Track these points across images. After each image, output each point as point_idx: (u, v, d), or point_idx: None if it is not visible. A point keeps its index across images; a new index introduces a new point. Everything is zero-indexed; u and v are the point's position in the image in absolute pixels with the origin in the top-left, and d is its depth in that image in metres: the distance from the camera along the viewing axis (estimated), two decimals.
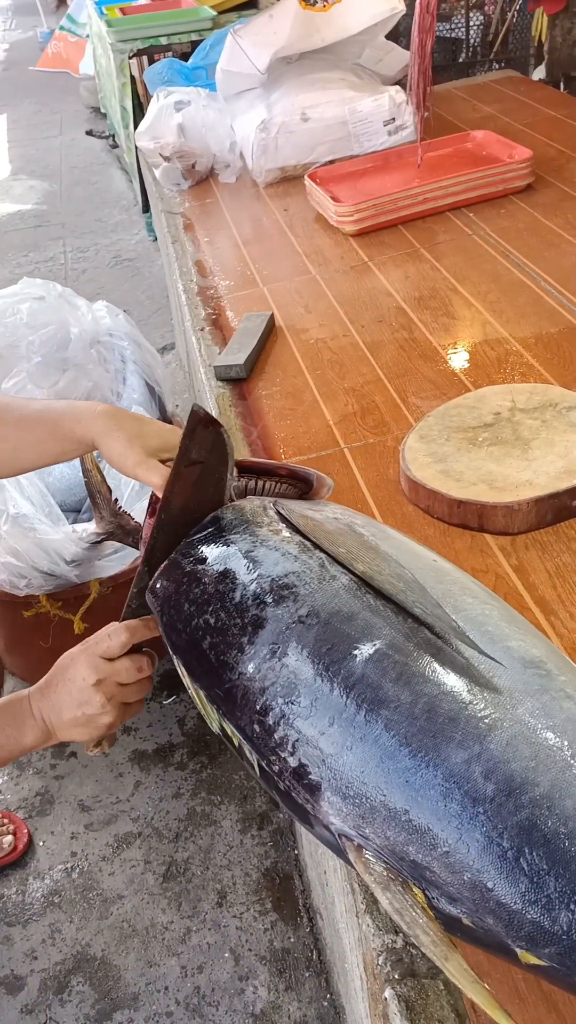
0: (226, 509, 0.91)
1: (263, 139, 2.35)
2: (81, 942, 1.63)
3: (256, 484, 1.00)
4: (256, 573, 0.81)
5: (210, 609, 0.82)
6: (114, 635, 0.89)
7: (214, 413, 1.56)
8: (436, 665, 0.71)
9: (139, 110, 3.81)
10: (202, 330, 1.82)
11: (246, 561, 0.83)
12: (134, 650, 0.90)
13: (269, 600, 0.79)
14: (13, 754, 0.93)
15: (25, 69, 8.41)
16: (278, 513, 0.90)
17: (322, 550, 0.83)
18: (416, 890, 0.66)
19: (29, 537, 1.78)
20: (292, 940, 1.58)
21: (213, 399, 1.59)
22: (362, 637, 0.74)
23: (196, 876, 1.71)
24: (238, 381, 1.61)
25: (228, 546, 0.86)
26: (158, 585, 0.88)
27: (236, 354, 1.63)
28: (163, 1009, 1.51)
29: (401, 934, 0.74)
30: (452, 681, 0.70)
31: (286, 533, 0.86)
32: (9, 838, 1.76)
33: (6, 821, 1.80)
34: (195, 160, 2.59)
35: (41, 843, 1.82)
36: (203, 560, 0.86)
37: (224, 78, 2.49)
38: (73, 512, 2.21)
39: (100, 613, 1.89)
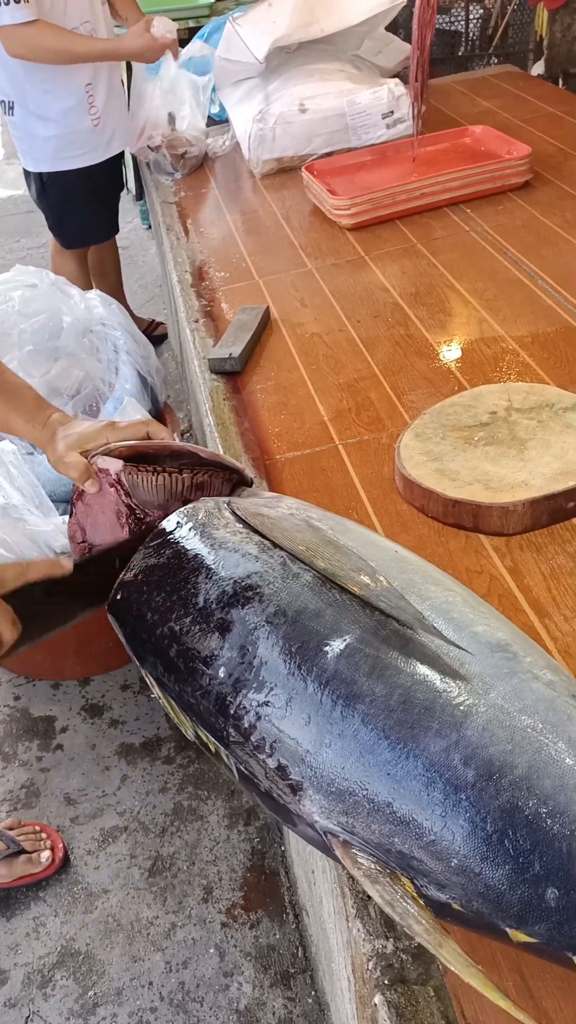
0: (180, 514, 0.90)
1: (260, 129, 2.33)
2: (65, 936, 1.63)
3: (180, 477, 0.99)
4: (218, 576, 0.81)
5: (174, 616, 0.81)
6: (14, 566, 0.88)
7: (207, 406, 1.55)
8: (407, 656, 0.72)
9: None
10: (196, 322, 1.80)
11: (207, 565, 0.83)
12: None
13: (234, 602, 0.78)
14: None
15: None
16: (233, 513, 0.89)
17: (283, 548, 0.82)
18: (405, 880, 0.66)
19: (19, 528, 1.77)
20: (277, 937, 1.58)
21: (207, 392, 1.58)
22: (331, 633, 0.74)
23: (182, 871, 1.70)
24: (232, 374, 1.60)
25: (187, 551, 0.85)
26: (118, 596, 0.87)
27: (231, 347, 1.62)
28: (147, 1004, 1.51)
29: (391, 939, 0.74)
30: (424, 671, 0.70)
31: (244, 533, 0.86)
32: (47, 853, 1.73)
33: (44, 836, 1.77)
34: (185, 149, 2.57)
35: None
36: (162, 567, 0.85)
37: (221, 67, 2.46)
38: (63, 503, 2.19)
39: None
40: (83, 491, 0.99)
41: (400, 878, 0.66)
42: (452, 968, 0.62)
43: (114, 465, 0.97)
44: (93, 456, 0.99)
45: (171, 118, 2.64)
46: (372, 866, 0.67)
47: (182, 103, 2.64)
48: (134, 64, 2.74)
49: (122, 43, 2.50)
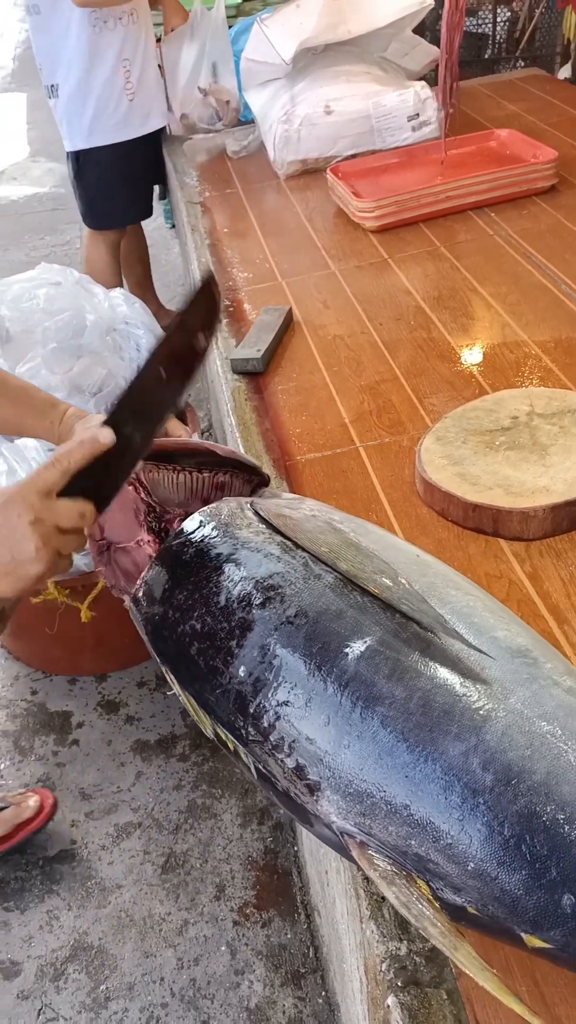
0: (202, 513, 0.91)
1: (285, 130, 2.33)
2: (79, 930, 1.64)
3: (200, 476, 0.99)
4: (240, 575, 0.81)
5: (195, 614, 0.82)
6: (51, 464, 0.81)
7: (229, 406, 1.56)
8: (428, 659, 0.72)
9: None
10: (219, 322, 1.81)
11: (229, 564, 0.83)
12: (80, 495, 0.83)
13: (255, 602, 0.79)
14: None
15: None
16: (255, 513, 0.90)
17: (305, 549, 0.83)
18: (421, 882, 0.67)
19: None
20: (289, 936, 1.58)
21: (228, 392, 1.58)
22: (352, 635, 0.74)
23: (195, 869, 1.71)
24: (254, 375, 1.61)
25: (210, 550, 0.86)
26: (140, 593, 0.88)
27: (253, 347, 1.62)
28: (158, 1000, 1.52)
29: (405, 941, 0.74)
30: (444, 674, 0.71)
31: (267, 534, 0.86)
32: (35, 798, 1.73)
33: (29, 793, 1.79)
34: (229, 98, 2.59)
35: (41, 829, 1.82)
36: (185, 565, 0.86)
37: (248, 68, 2.47)
38: None
39: (108, 602, 1.89)
40: None
41: (416, 880, 0.67)
42: (467, 971, 0.62)
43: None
44: None
45: (214, 68, 2.67)
46: (388, 868, 0.67)
47: (221, 58, 2.69)
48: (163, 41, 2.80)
49: None
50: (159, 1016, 1.50)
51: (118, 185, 2.88)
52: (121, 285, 3.18)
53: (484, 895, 0.64)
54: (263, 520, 0.88)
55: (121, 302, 2.20)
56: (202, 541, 0.87)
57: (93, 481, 0.83)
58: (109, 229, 3.02)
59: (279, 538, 0.85)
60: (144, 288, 3.43)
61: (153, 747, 1.97)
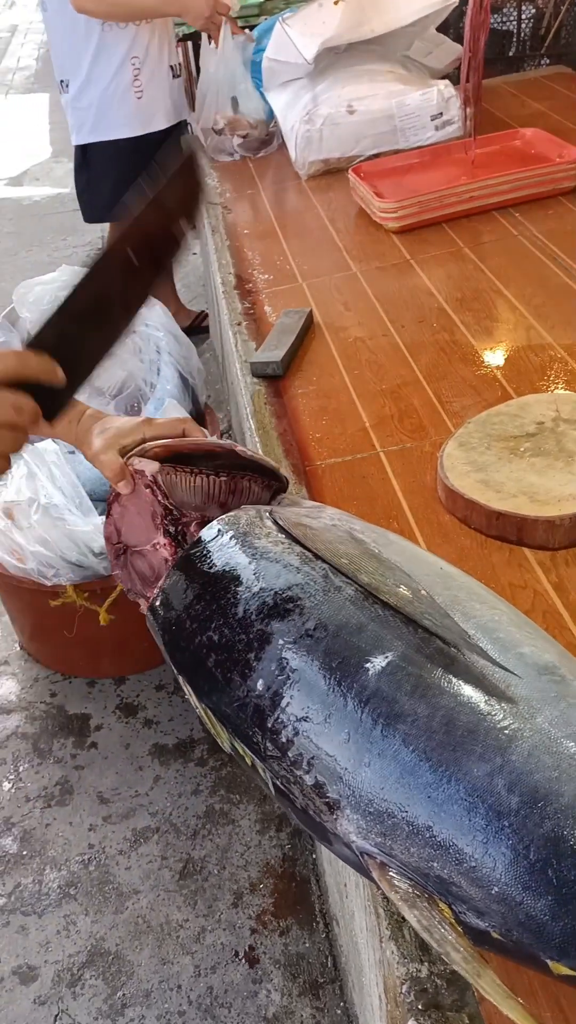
0: (221, 521, 0.89)
1: (307, 130, 2.32)
2: (96, 935, 1.63)
3: (219, 480, 0.97)
4: (259, 586, 0.80)
5: (213, 626, 0.80)
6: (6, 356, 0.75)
7: (248, 410, 1.54)
8: (451, 676, 0.70)
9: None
10: (239, 324, 1.80)
11: (247, 574, 0.82)
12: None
13: (274, 614, 0.77)
14: None
15: None
16: (275, 522, 0.88)
17: (324, 560, 0.81)
18: (443, 905, 0.65)
19: (58, 527, 1.78)
20: (307, 945, 1.57)
21: (248, 395, 1.57)
22: (373, 649, 0.72)
23: (212, 875, 1.70)
24: (274, 378, 1.59)
25: (228, 560, 0.84)
26: (158, 602, 0.87)
27: (273, 351, 1.61)
28: (175, 1008, 1.51)
29: (426, 963, 0.72)
30: (469, 692, 0.69)
31: (286, 544, 0.84)
32: None
33: None
34: (247, 131, 2.59)
35: (59, 833, 1.82)
36: (203, 575, 0.85)
37: (270, 68, 2.46)
38: (103, 502, 2.20)
39: (126, 606, 1.87)
40: (119, 491, 0.98)
41: (438, 903, 0.65)
42: (490, 999, 0.60)
43: (150, 467, 0.97)
44: (129, 457, 0.98)
45: (234, 102, 2.67)
46: (410, 890, 0.65)
47: (246, 88, 2.68)
48: (202, 47, 2.79)
49: None
50: None
51: (114, 180, 2.87)
52: None
53: (508, 920, 0.62)
54: (282, 530, 0.87)
55: None
56: (220, 550, 0.86)
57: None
58: (100, 222, 3.07)
59: (299, 548, 0.84)
60: (163, 286, 3.44)
61: (171, 751, 1.96)
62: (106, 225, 3.19)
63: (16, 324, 2.21)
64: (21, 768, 1.97)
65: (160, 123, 2.84)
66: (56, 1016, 1.52)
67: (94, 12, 2.53)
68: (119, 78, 2.69)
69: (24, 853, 1.79)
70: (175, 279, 3.52)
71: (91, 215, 3.05)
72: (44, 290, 2.12)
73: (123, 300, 0.81)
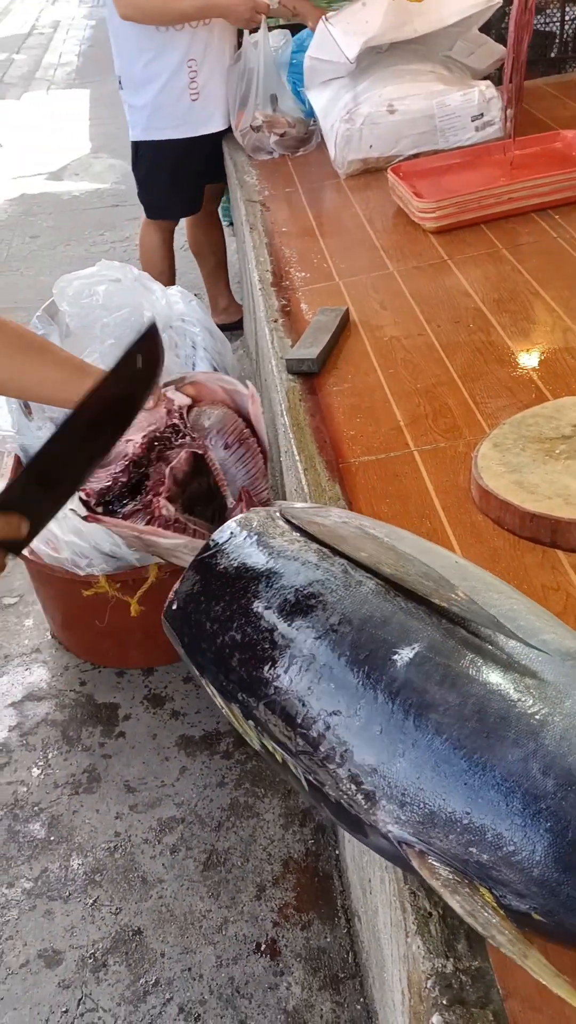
0: (233, 523, 0.90)
1: (347, 129, 2.32)
2: (120, 922, 1.65)
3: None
4: (279, 584, 0.81)
5: (235, 625, 0.81)
6: None
7: (283, 406, 1.55)
8: (479, 664, 0.71)
9: None
10: (275, 321, 1.81)
11: (266, 573, 0.82)
12: None
13: (297, 611, 0.78)
14: None
15: (110, 47, 8.46)
16: (287, 521, 0.89)
17: (342, 555, 0.82)
18: (483, 890, 0.66)
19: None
20: (328, 940, 1.58)
21: (283, 392, 1.58)
22: (400, 641, 0.73)
23: (236, 867, 1.72)
24: (309, 375, 1.60)
25: (245, 560, 0.85)
26: (174, 607, 0.88)
27: (309, 348, 1.61)
28: (197, 997, 1.52)
29: (452, 959, 0.73)
30: (498, 679, 0.70)
31: (302, 541, 0.85)
32: None
33: None
34: (284, 130, 2.60)
35: (86, 820, 1.85)
36: (220, 576, 0.85)
37: (312, 66, 2.46)
38: None
39: (157, 597, 1.89)
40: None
41: (479, 888, 0.66)
42: (538, 978, 0.61)
43: (180, 399, 1.02)
44: (167, 385, 1.04)
45: (274, 100, 2.69)
46: (451, 876, 0.66)
47: (284, 87, 2.70)
48: (245, 42, 2.82)
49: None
50: (198, 1013, 1.50)
51: (166, 180, 2.96)
52: (172, 272, 3.29)
53: (549, 901, 0.63)
54: (296, 528, 0.88)
55: (178, 299, 2.21)
56: (236, 551, 0.86)
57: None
58: (154, 219, 3.13)
59: (315, 545, 0.85)
60: (216, 279, 3.49)
61: (198, 743, 1.98)
62: (139, 224, 3.24)
63: (55, 317, 2.23)
64: (50, 755, 2.00)
65: (217, 124, 2.88)
66: (80, 1000, 1.55)
67: (139, 19, 2.60)
68: (175, 80, 2.73)
69: (51, 839, 1.81)
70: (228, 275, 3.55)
71: (148, 211, 3.13)
72: (83, 284, 2.14)
73: (86, 457, 0.91)
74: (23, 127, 6.80)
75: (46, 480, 0.88)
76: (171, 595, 0.89)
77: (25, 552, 1.89)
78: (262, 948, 1.58)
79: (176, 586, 0.89)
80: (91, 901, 1.70)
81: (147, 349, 0.91)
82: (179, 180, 2.98)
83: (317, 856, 1.72)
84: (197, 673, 0.86)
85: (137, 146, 2.94)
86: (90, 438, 0.90)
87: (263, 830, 1.78)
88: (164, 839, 1.79)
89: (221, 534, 0.89)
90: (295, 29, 2.96)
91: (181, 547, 1.01)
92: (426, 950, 0.74)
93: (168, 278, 3.22)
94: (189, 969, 1.57)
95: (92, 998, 1.55)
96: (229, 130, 2.92)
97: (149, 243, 3.18)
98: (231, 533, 0.89)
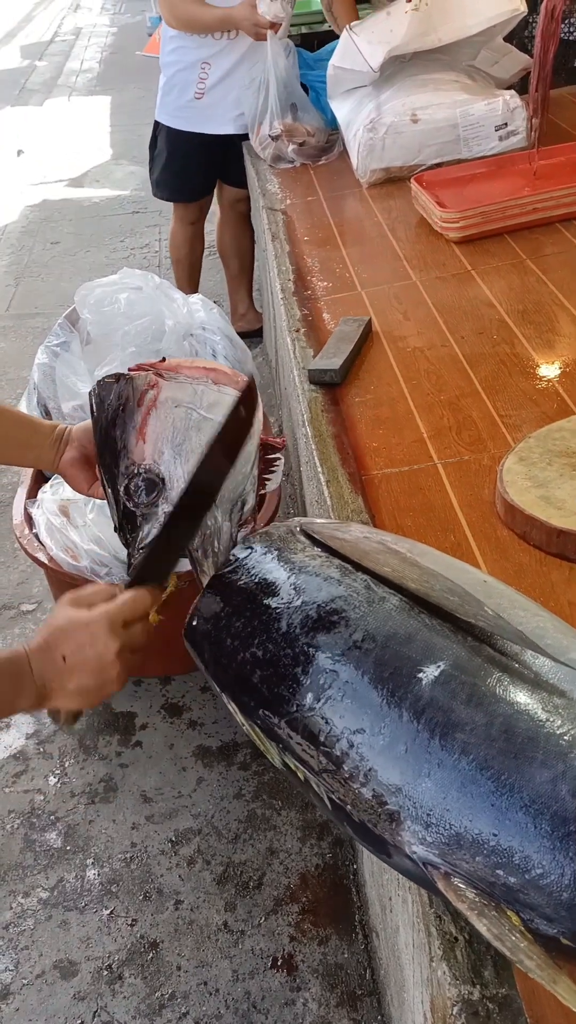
0: (253, 539, 0.89)
1: (370, 139, 2.32)
2: (136, 934, 1.64)
3: None
4: (301, 600, 0.80)
5: (256, 642, 0.80)
6: (139, 600, 0.87)
7: (305, 417, 1.55)
8: (506, 682, 0.70)
9: None
10: (297, 331, 1.80)
11: (288, 589, 0.82)
12: None
13: (319, 627, 0.77)
14: (1, 714, 0.87)
15: (132, 54, 8.50)
16: (308, 536, 0.88)
17: (364, 571, 0.81)
18: (511, 913, 0.65)
19: (113, 526, 1.79)
20: (346, 956, 1.56)
21: (305, 402, 1.57)
22: (424, 659, 0.72)
23: (252, 880, 1.70)
24: (331, 386, 1.59)
25: (266, 576, 0.84)
26: (194, 623, 0.87)
27: (332, 358, 1.61)
28: (213, 1011, 1.51)
29: (479, 986, 0.72)
30: (525, 698, 0.69)
31: (323, 557, 0.84)
32: None
33: None
34: (304, 139, 2.61)
35: (102, 830, 1.84)
36: (241, 592, 0.85)
37: (335, 75, 2.46)
38: None
39: (176, 607, 1.89)
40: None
41: (506, 911, 0.65)
42: (568, 1004, 0.60)
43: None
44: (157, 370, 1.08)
45: (294, 109, 2.71)
46: (477, 899, 0.65)
47: (303, 97, 2.74)
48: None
49: (232, 11, 2.75)
50: None
51: (166, 163, 3.16)
52: (192, 265, 3.43)
53: None
54: (316, 543, 0.87)
55: (199, 307, 2.21)
56: (256, 567, 0.86)
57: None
58: (159, 197, 3.36)
59: (337, 561, 0.84)
60: (238, 285, 3.53)
61: (215, 753, 1.97)
62: (165, 229, 3.29)
63: (76, 324, 2.24)
64: (67, 764, 1.99)
65: (222, 128, 2.99)
66: (95, 1013, 1.54)
67: (175, 27, 2.85)
68: (185, 74, 2.92)
69: (68, 848, 1.81)
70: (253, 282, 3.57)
71: (153, 190, 3.33)
72: (104, 292, 2.14)
73: (188, 534, 0.93)
74: (45, 134, 6.83)
75: (161, 556, 0.93)
76: (191, 611, 0.88)
77: (44, 559, 1.90)
78: (279, 963, 1.57)
79: (196, 602, 0.88)
80: (107, 912, 1.69)
81: (246, 399, 0.95)
82: (175, 168, 3.17)
83: (335, 870, 1.70)
84: (218, 689, 0.86)
85: (156, 124, 3.15)
86: (187, 519, 0.94)
87: (280, 843, 1.76)
88: (180, 850, 1.78)
89: (240, 550, 0.89)
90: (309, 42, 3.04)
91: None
92: (452, 976, 0.73)
93: (187, 269, 3.40)
94: (205, 983, 1.56)
95: (108, 1010, 1.54)
96: (247, 137, 2.95)
97: (176, 231, 3.37)
98: (251, 549, 0.88)
